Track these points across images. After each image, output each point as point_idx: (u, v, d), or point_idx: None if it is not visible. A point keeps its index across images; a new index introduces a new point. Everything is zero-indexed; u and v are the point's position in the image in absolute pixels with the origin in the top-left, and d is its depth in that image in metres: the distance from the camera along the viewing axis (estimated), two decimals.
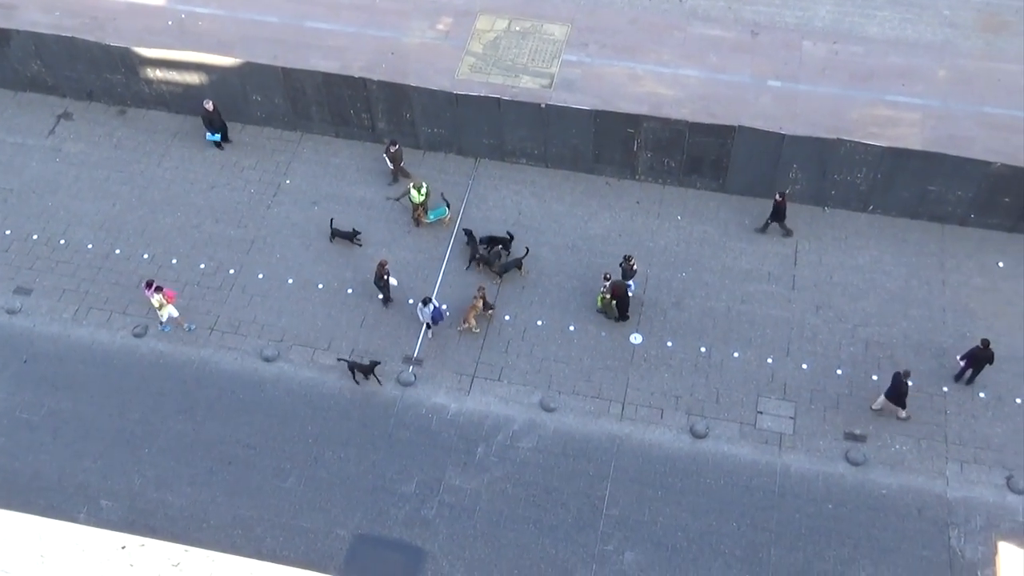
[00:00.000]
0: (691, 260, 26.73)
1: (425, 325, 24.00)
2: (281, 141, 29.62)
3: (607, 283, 24.37)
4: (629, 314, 24.85)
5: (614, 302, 24.64)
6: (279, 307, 26.22)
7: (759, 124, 26.86)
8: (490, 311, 25.01)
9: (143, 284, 24.61)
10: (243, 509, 23.30)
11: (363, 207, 28.13)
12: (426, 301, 23.56)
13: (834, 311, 25.44)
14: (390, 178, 27.88)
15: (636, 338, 25.15)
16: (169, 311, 24.60)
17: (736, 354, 24.72)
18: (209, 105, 27.50)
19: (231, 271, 26.89)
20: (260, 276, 26.79)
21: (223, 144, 28.49)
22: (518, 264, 25.72)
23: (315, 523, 23.10)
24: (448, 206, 27.11)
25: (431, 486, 23.39)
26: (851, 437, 23.66)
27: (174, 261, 27.09)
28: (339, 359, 23.51)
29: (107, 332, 25.84)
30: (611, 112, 26.86)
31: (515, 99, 27.57)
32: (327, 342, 25.59)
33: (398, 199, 27.20)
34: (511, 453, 23.68)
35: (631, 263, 24.50)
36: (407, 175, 27.78)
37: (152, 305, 24.65)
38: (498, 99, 27.33)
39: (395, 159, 27.22)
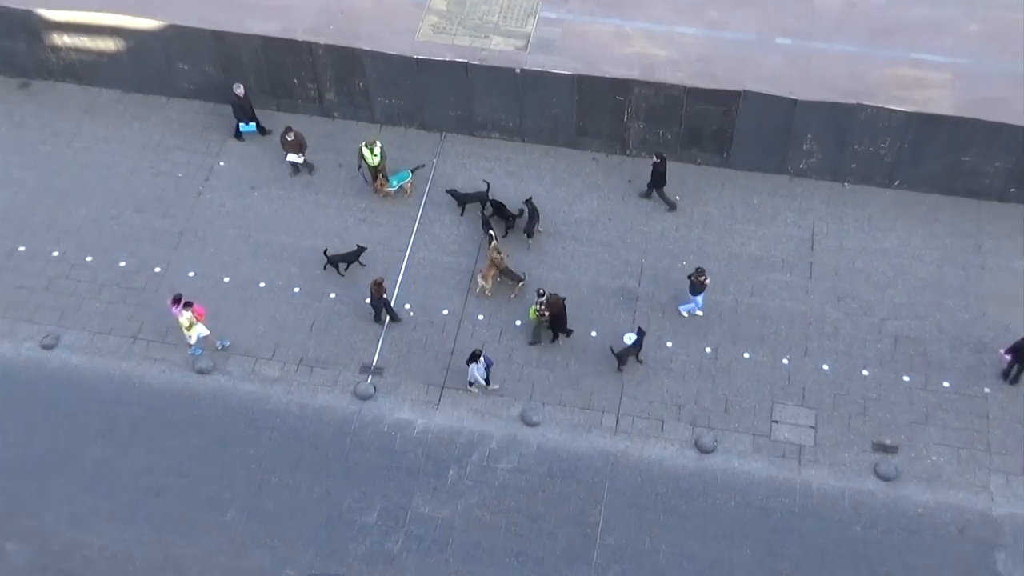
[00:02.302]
0: (692, 247, 26.64)
1: (484, 382, 23.74)
2: (213, 116, 29.23)
3: (542, 298, 24.04)
4: (571, 329, 24.79)
5: (546, 321, 24.29)
6: (214, 310, 25.89)
7: (767, 88, 26.65)
8: (520, 283, 25.04)
9: (169, 301, 24.29)
10: (175, 547, 22.94)
11: (310, 191, 28.03)
12: (475, 356, 23.21)
13: (858, 302, 25.49)
14: (291, 171, 27.55)
15: (631, 338, 24.88)
16: (199, 330, 24.35)
17: (746, 355, 24.77)
18: (240, 90, 27.21)
19: (156, 269, 26.73)
20: (191, 275, 26.63)
21: (261, 133, 28.28)
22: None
23: (260, 562, 22.79)
24: (414, 170, 26.99)
25: (396, 516, 23.23)
26: (880, 448, 23.58)
27: (88, 259, 26.82)
28: None
29: (10, 343, 25.60)
30: (596, 77, 26.70)
31: (485, 64, 27.44)
32: (271, 350, 25.41)
33: (359, 167, 27.06)
34: (489, 475, 23.61)
35: (703, 278, 24.13)
36: (310, 168, 27.55)
37: (180, 325, 24.35)
38: (465, 64, 27.16)
39: (296, 147, 26.89)
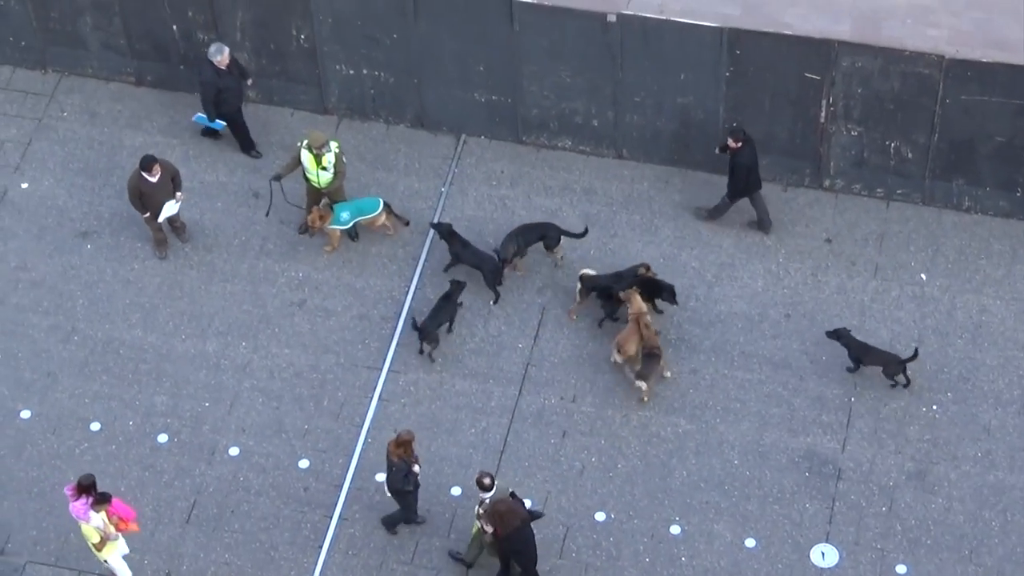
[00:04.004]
0: (955, 368, 26.86)
1: None
2: (12, 93, 30.36)
3: (485, 495, 24.57)
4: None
5: (489, 543, 25.04)
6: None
7: None
8: (640, 384, 26.64)
9: (67, 490, 24.58)
10: None
11: (197, 245, 28.64)
12: None
13: None
14: (160, 234, 28.77)
15: (825, 556, 25.01)
16: (121, 549, 24.94)
17: None
18: (224, 56, 28.56)
19: None
20: None
21: (252, 151, 29.93)
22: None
23: None
24: (391, 210, 28.45)
25: None
26: None
27: None
28: None
29: None
30: (767, 34, 27.37)
31: (548, 3, 27.86)
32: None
33: (277, 178, 28.22)
34: None
35: None
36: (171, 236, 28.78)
37: (85, 536, 24.63)
38: (510, 1, 27.72)
39: (165, 192, 28.01)
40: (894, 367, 26.14)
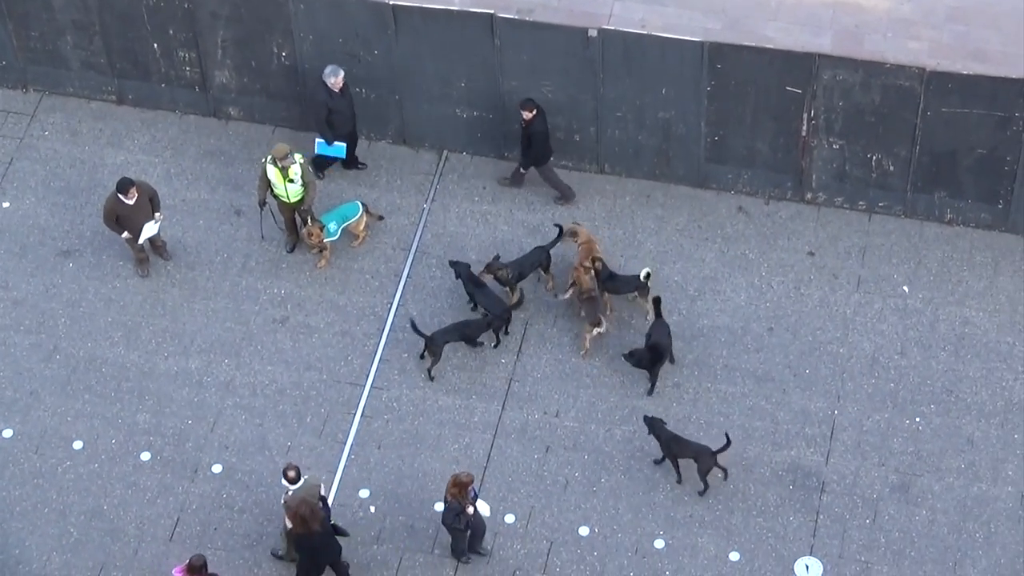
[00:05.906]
0: (935, 385, 26.89)
1: None
2: None
3: (290, 491, 24.49)
4: None
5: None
6: None
7: None
8: (596, 329, 27.10)
9: (177, 571, 24.55)
10: None
11: (179, 264, 28.49)
12: None
13: None
14: (140, 253, 28.60)
15: (809, 568, 24.94)
16: None
17: None
18: (339, 79, 28.51)
19: None
20: None
21: (353, 165, 29.93)
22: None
23: None
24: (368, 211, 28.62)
25: None
26: None
27: None
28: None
29: None
30: (748, 48, 27.24)
31: (529, 18, 28.13)
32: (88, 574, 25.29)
33: (262, 204, 28.23)
34: None
35: None
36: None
37: None
38: (491, 17, 27.58)
39: (144, 212, 27.85)
40: (707, 459, 25.69)
